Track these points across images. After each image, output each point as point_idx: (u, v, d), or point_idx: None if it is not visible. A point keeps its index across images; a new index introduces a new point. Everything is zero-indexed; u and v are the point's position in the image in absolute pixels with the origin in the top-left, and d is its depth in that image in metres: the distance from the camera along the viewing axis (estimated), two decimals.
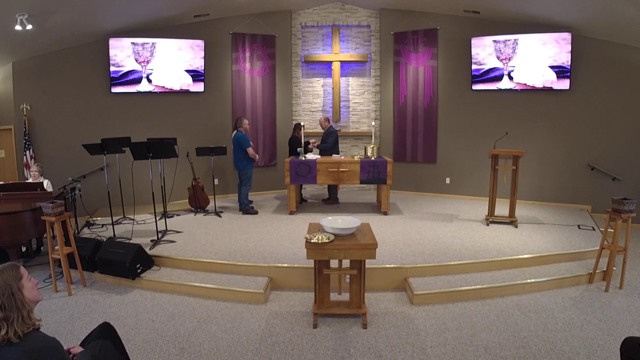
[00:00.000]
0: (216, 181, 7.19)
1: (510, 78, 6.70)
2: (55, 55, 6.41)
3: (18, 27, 5.09)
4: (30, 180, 5.51)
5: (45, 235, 4.37)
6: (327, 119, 6.85)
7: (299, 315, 3.39)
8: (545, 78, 6.48)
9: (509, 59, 6.66)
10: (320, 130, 7.92)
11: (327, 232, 3.11)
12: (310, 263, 3.61)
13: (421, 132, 7.52)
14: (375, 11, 7.76)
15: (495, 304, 3.56)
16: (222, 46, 7.35)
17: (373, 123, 7.40)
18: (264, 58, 7.60)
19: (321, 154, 6.73)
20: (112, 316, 3.39)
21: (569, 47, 6.24)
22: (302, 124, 6.63)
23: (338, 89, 7.81)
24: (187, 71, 7.01)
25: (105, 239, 4.70)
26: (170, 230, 5.16)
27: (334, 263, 3.38)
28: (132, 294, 3.86)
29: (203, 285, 3.84)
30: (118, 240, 4.74)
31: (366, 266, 3.32)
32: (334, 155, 6.48)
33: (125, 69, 6.69)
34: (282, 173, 6.76)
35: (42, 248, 5.17)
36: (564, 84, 6.38)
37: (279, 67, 7.74)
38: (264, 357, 2.79)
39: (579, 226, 5.28)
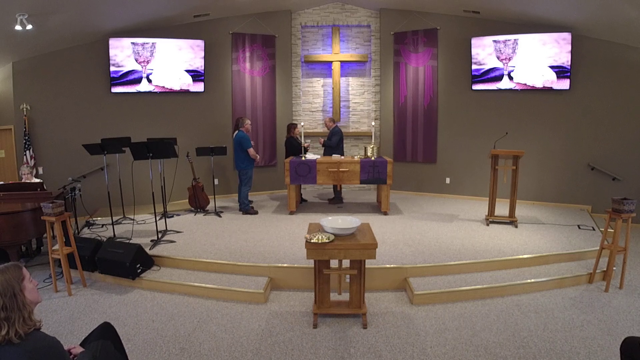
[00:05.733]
0: (216, 181, 7.19)
1: (510, 78, 6.70)
2: (55, 55, 6.41)
3: (18, 27, 5.09)
4: (23, 181, 5.52)
5: (45, 235, 4.37)
6: (332, 120, 6.84)
7: (299, 315, 3.39)
8: (545, 78, 6.48)
9: (509, 59, 6.66)
10: (320, 130, 7.93)
11: (327, 232, 3.11)
12: (310, 263, 3.62)
13: (421, 132, 7.52)
14: (375, 11, 7.76)
15: (495, 304, 3.56)
16: (222, 46, 7.34)
17: (373, 123, 7.40)
18: (264, 58, 7.60)
19: (325, 152, 6.72)
20: (112, 316, 3.39)
21: (569, 47, 6.24)
22: (297, 123, 6.60)
23: (338, 89, 7.81)
24: (187, 71, 7.01)
25: (105, 239, 4.70)
26: (170, 230, 5.16)
27: (334, 263, 3.38)
28: (132, 294, 3.86)
29: (203, 285, 3.84)
30: (118, 240, 4.74)
31: (366, 266, 3.32)
32: (334, 155, 6.48)
33: (125, 69, 6.68)
34: (282, 173, 6.76)
35: (42, 248, 5.17)
36: (564, 84, 6.38)
37: (279, 67, 7.74)
38: (264, 357, 2.79)
39: (579, 226, 5.28)
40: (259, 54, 7.56)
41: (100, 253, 4.16)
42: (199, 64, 7.04)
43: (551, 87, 6.48)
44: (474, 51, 6.86)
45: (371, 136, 6.74)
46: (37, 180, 5.57)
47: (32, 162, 6.22)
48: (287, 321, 3.29)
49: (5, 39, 5.54)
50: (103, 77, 6.66)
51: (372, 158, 5.97)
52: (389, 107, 7.79)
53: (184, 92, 7.08)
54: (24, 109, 6.29)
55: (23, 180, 5.50)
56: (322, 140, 6.78)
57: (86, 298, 3.78)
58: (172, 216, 6.05)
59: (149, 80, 6.84)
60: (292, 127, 6.80)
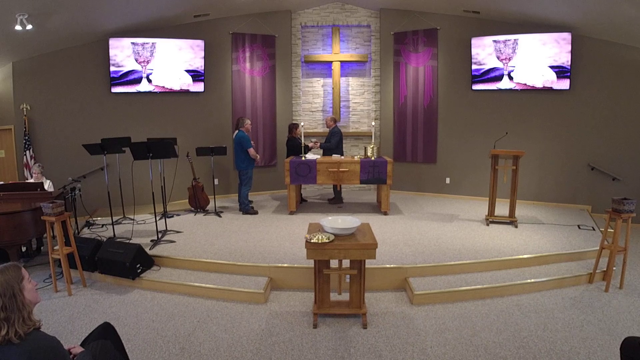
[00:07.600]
0: (216, 181, 7.19)
1: (510, 78, 6.70)
2: (55, 55, 6.41)
3: (18, 27, 5.08)
4: (31, 180, 5.52)
5: (45, 235, 4.37)
6: (334, 119, 6.84)
7: (299, 315, 3.39)
8: (545, 78, 6.48)
9: (509, 59, 6.66)
10: (320, 130, 7.94)
11: (327, 232, 3.11)
12: (310, 263, 3.61)
13: (421, 132, 7.51)
14: (375, 11, 7.76)
15: (495, 304, 3.56)
16: (222, 46, 7.34)
17: (373, 123, 7.39)
18: (264, 58, 7.60)
19: (324, 153, 6.72)
20: (112, 316, 3.40)
21: (569, 47, 6.23)
22: (299, 123, 6.60)
23: (338, 89, 7.80)
24: (187, 71, 7.01)
25: (105, 239, 4.70)
26: (170, 230, 5.16)
27: (334, 263, 3.38)
28: (132, 294, 3.86)
29: (203, 285, 3.84)
30: (118, 240, 4.74)
31: (366, 266, 3.32)
32: (334, 155, 6.48)
33: (125, 69, 6.68)
34: (282, 173, 6.76)
35: (42, 248, 5.16)
36: (564, 84, 6.38)
37: (279, 67, 7.74)
38: (264, 357, 2.79)
39: (579, 226, 5.28)
40: (259, 54, 7.56)
41: (100, 253, 4.16)
42: (199, 64, 7.04)
43: (551, 87, 6.48)
44: (474, 51, 6.86)
45: (371, 136, 6.74)
46: (47, 182, 5.56)
47: (32, 162, 6.21)
48: (287, 321, 3.29)
49: (5, 39, 5.54)
50: (103, 77, 6.66)
51: (372, 158, 5.97)
52: (389, 107, 7.79)
53: (184, 92, 7.08)
54: (24, 109, 6.28)
55: (33, 179, 5.51)
56: (318, 143, 6.77)
57: (86, 298, 3.78)
58: (172, 216, 6.05)
59: (149, 80, 6.84)
60: (293, 127, 6.80)
